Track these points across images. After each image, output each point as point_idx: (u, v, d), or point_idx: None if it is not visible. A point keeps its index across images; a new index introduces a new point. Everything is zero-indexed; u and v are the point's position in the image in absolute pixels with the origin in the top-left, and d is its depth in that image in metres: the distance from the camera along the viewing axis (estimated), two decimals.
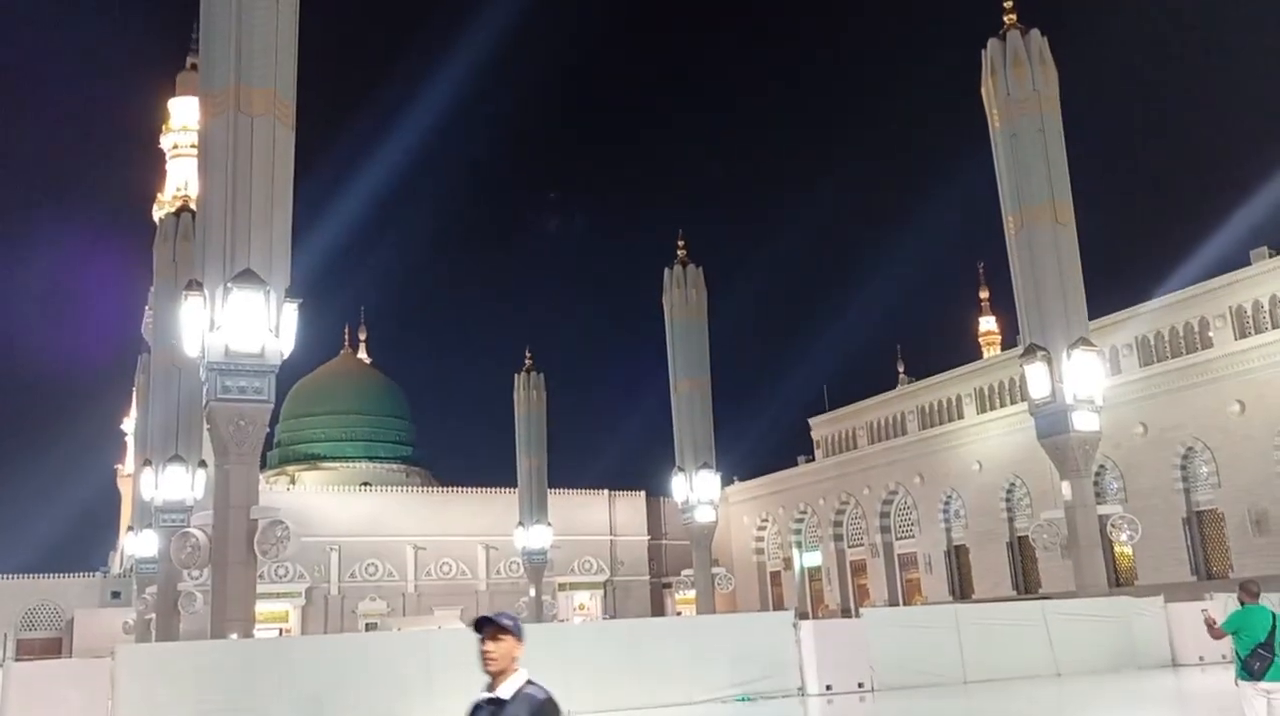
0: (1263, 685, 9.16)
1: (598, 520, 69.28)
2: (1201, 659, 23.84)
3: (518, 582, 63.60)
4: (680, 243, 48.69)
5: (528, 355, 61.37)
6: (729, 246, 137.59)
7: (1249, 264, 42.31)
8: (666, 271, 48.13)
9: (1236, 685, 9.43)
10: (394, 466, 76.05)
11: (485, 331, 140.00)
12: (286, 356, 22.99)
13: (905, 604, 54.17)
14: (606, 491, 70.51)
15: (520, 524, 58.69)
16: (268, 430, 23.81)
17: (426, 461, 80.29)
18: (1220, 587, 30.68)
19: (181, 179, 71.71)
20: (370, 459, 74.89)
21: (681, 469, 46.17)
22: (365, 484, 69.28)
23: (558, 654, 19.91)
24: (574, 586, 68.38)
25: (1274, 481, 39.62)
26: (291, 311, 22.92)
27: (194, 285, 22.62)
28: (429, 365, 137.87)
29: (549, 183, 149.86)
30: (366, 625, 55.26)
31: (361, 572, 63.16)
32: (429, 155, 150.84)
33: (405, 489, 70.05)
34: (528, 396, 60.07)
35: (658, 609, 67.32)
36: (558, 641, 21.17)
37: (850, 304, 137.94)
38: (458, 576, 65.98)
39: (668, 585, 68.26)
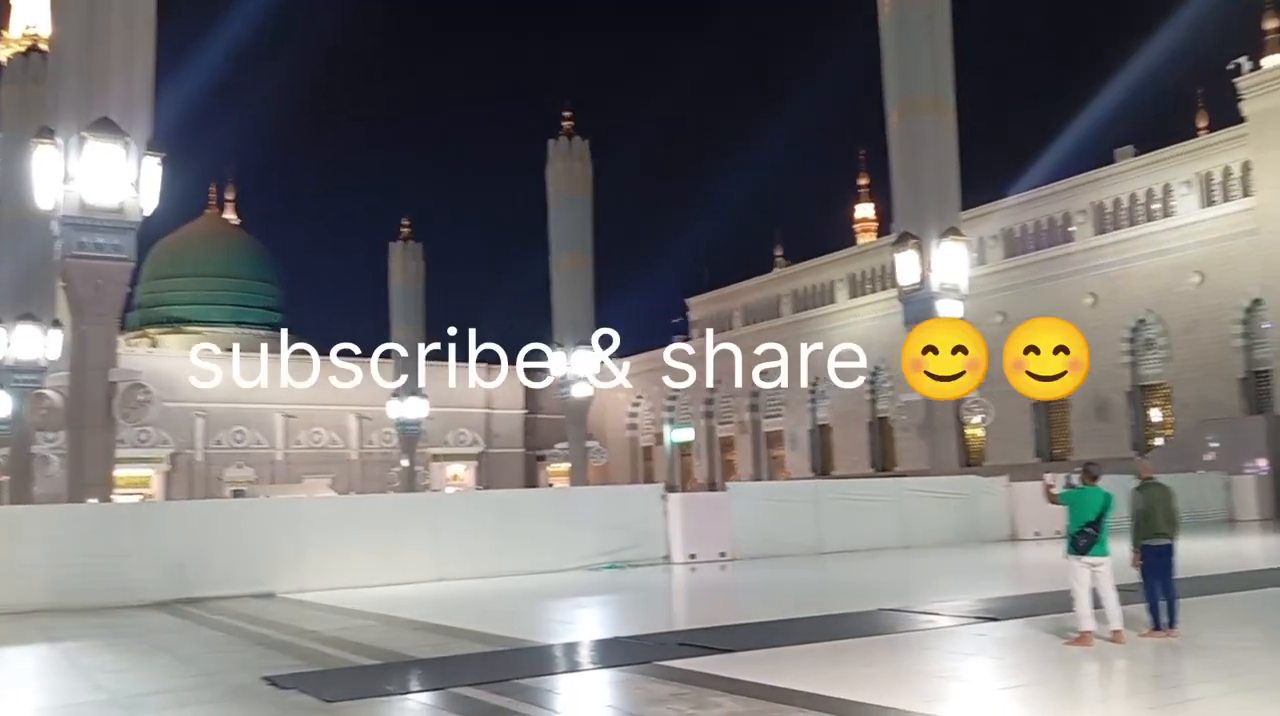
0: (1087, 559, 9.96)
1: (474, 393, 69.26)
2: (1037, 534, 25.63)
3: (390, 453, 63.55)
4: (566, 114, 47.74)
5: (405, 223, 59.97)
6: (617, 120, 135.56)
7: (1113, 162, 43.99)
8: (551, 143, 47.28)
9: (1065, 558, 10.20)
10: (263, 332, 74.05)
11: (363, 197, 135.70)
12: (149, 213, 21.92)
13: (770, 479, 56.25)
14: (484, 364, 70.33)
15: (395, 395, 58.27)
16: (128, 290, 22.85)
17: (298, 328, 78.31)
18: (1060, 469, 32.79)
19: (29, 15, 66.11)
20: (238, 324, 72.69)
21: (560, 344, 46.36)
22: (231, 349, 67.38)
23: (429, 523, 20.16)
24: (448, 457, 68.74)
25: (1118, 372, 42.16)
26: (154, 166, 21.76)
27: (45, 133, 21.24)
28: (303, 230, 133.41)
29: (431, 44, 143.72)
30: (233, 492, 54.53)
31: (229, 439, 62.03)
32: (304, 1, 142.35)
33: (275, 355, 68.45)
34: (404, 266, 58.96)
35: (531, 481, 68.31)
36: (429, 511, 21.37)
37: (731, 188, 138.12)
38: (329, 445, 65.46)
39: (542, 458, 69.20)
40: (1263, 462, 33.92)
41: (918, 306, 29.58)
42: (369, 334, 66.03)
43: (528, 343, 46.43)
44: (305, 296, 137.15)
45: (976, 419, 40.42)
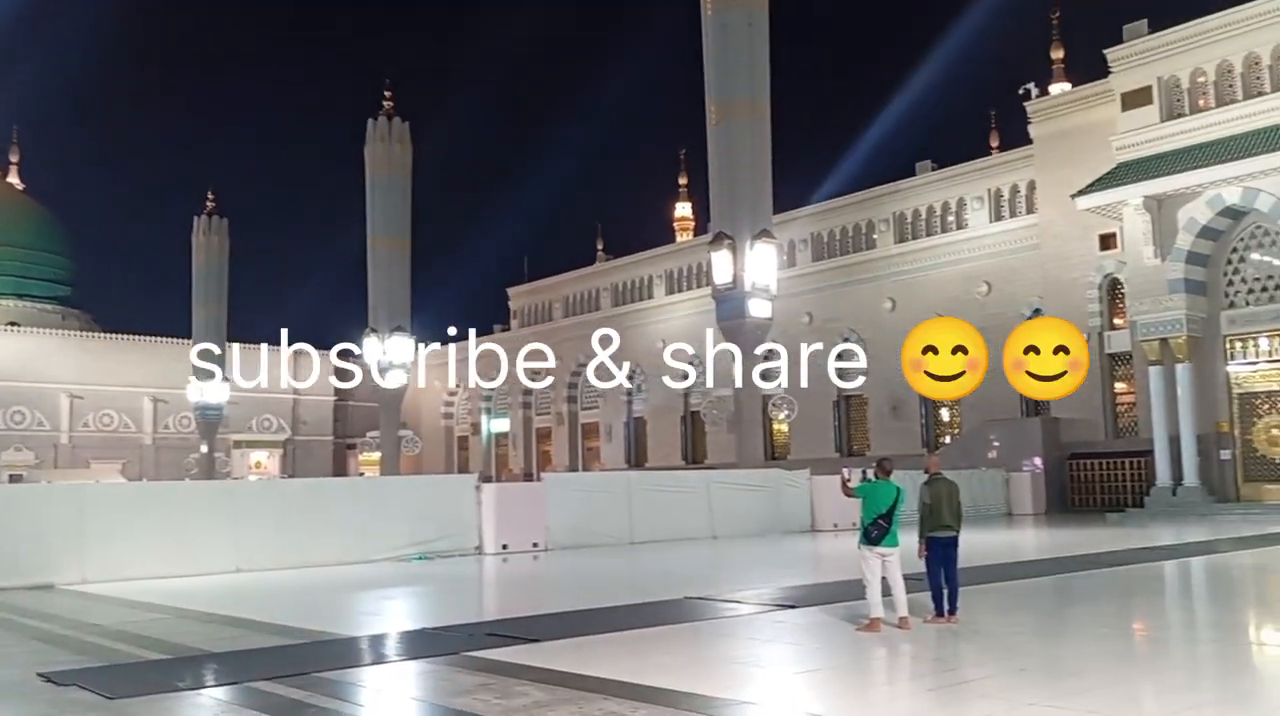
0: (879, 549, 10.55)
1: (281, 377, 66.66)
2: (835, 526, 26.86)
3: (188, 438, 60.49)
4: (387, 93, 46.57)
5: (211, 197, 57.10)
6: (441, 102, 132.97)
7: (914, 174, 46.52)
8: (370, 122, 46.01)
9: (858, 548, 10.77)
10: (48, 307, 69.07)
11: (165, 168, 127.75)
12: None
13: (585, 470, 56.68)
14: (293, 348, 67.80)
15: (195, 377, 55.37)
16: None
17: (89, 304, 73.56)
18: (857, 464, 34.48)
19: None
20: (19, 296, 67.53)
21: (375, 330, 45.24)
22: (13, 324, 62.50)
23: (228, 512, 19.33)
24: (251, 444, 65.96)
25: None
26: None
27: None
28: (97, 200, 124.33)
29: (245, 11, 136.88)
30: (10, 476, 50.58)
31: (6, 420, 57.57)
32: None
33: (61, 332, 63.84)
34: (208, 241, 56.17)
35: (340, 470, 66.43)
36: (228, 499, 20.47)
37: (554, 181, 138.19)
38: (120, 429, 61.70)
39: (352, 446, 67.37)
40: (1037, 461, 36.67)
41: (731, 305, 30.40)
42: (170, 312, 62.57)
43: (341, 327, 45.09)
44: (103, 271, 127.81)
45: (782, 414, 42.10)
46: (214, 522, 18.85)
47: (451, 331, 41.86)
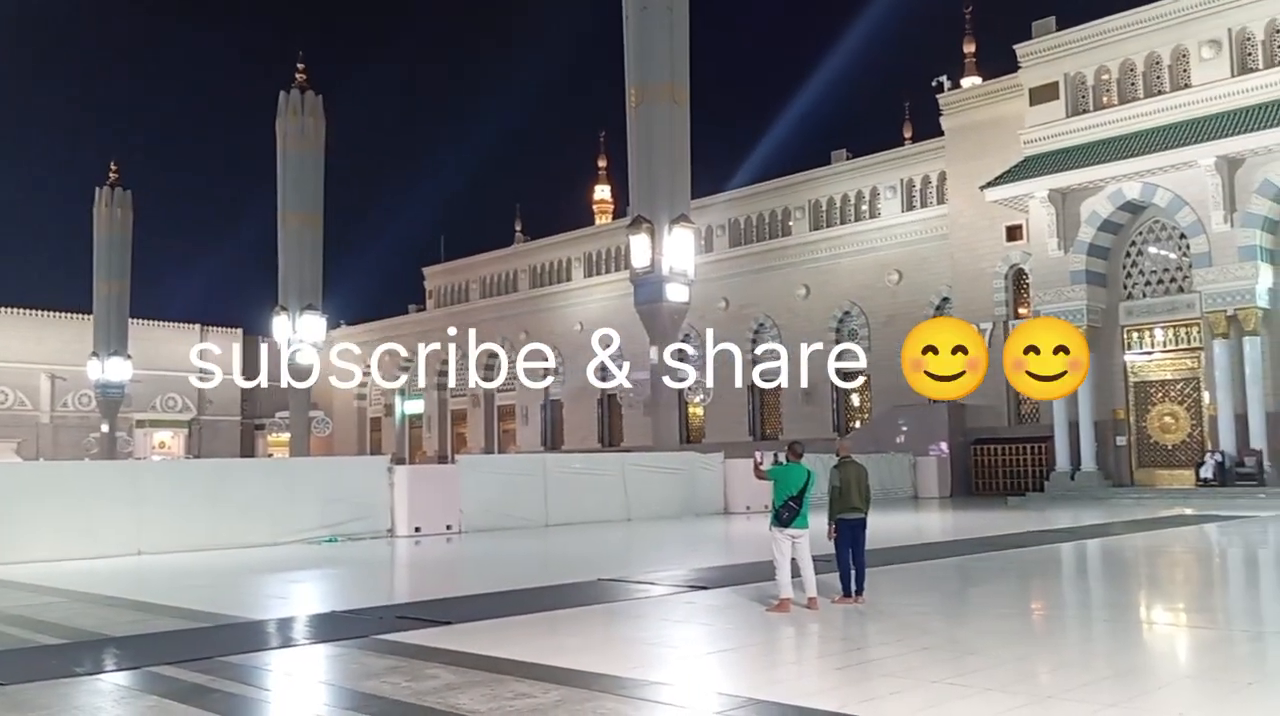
0: (789, 531, 10.71)
1: (186, 355, 64.85)
2: (748, 508, 27.23)
3: (89, 417, 58.57)
4: (299, 66, 45.52)
5: (113, 168, 55.15)
6: (356, 77, 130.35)
7: (829, 163, 47.15)
8: (282, 95, 44.94)
9: (769, 530, 10.92)
10: None
11: (64, 137, 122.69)
12: None
13: (501, 452, 56.41)
14: (198, 325, 66.08)
15: (95, 354, 53.63)
16: None
17: None
18: (770, 447, 34.97)
19: None
20: None
21: (285, 308, 44.27)
22: None
23: (130, 493, 18.79)
24: (155, 424, 64.13)
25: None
26: None
27: None
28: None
29: None
30: None
31: None
32: None
33: None
34: (110, 214, 54.32)
35: (248, 451, 64.99)
36: (130, 480, 19.87)
37: (472, 160, 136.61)
38: (15, 407, 59.44)
39: (261, 427, 65.96)
40: (943, 446, 37.64)
41: (649, 289, 30.50)
42: (69, 287, 60.25)
43: (250, 305, 44.09)
44: None
45: (698, 398, 42.42)
46: (115, 504, 18.30)
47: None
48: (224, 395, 66.37)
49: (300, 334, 43.91)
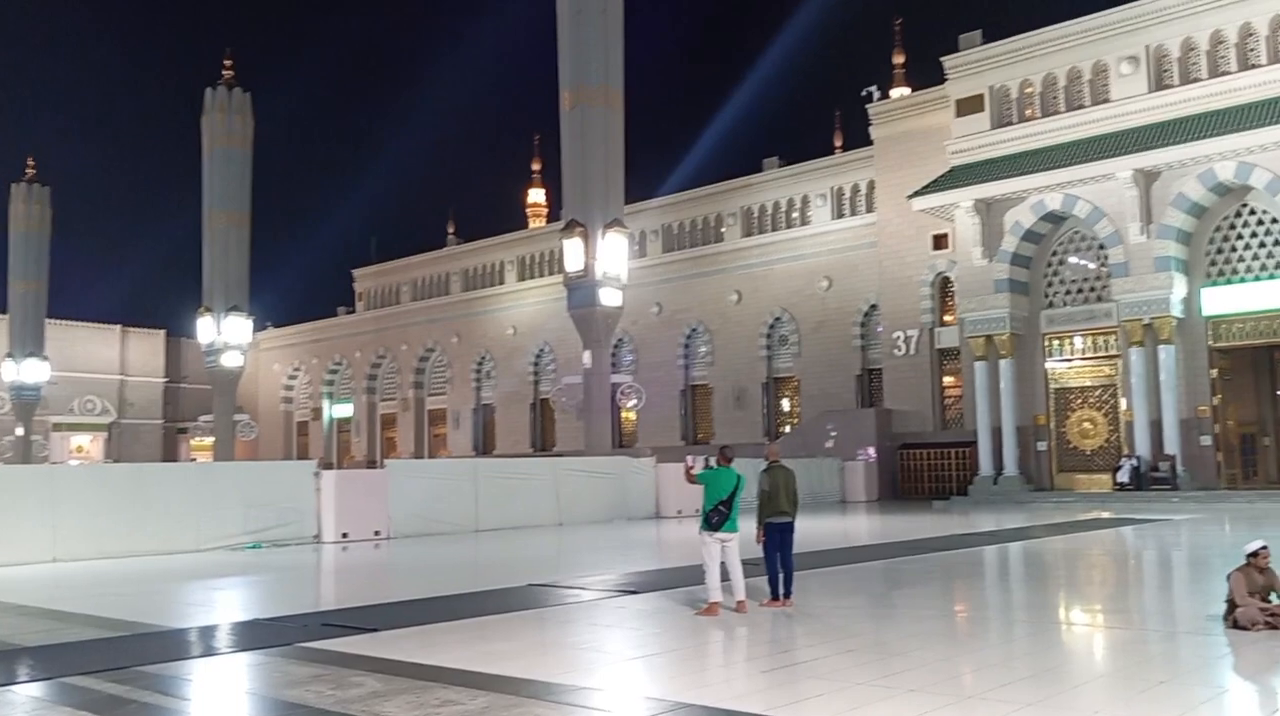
0: (719, 535, 10.79)
1: (106, 357, 63.21)
2: (680, 512, 27.35)
3: (2, 421, 56.72)
4: (227, 62, 44.68)
5: (30, 163, 53.54)
6: (286, 76, 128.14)
7: (761, 170, 47.61)
8: (209, 91, 44.10)
9: (699, 534, 10.98)
10: None
11: None
12: None
13: (432, 457, 55.89)
14: (119, 326, 64.39)
15: (10, 355, 51.99)
16: None
17: None
18: (702, 451, 35.18)
19: None
20: None
21: (209, 309, 43.39)
22: None
23: (45, 498, 18.23)
24: (73, 427, 62.32)
25: (756, 364, 45.79)
26: None
27: None
28: None
29: None
30: None
31: None
32: None
33: None
34: (27, 211, 52.74)
35: (171, 455, 63.49)
36: (45, 484, 19.27)
37: (404, 160, 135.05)
38: None
39: (184, 431, 64.50)
40: (871, 450, 38.21)
41: (582, 293, 30.50)
42: None
43: (174, 306, 43.17)
44: None
45: (631, 403, 42.49)
46: (29, 509, 17.77)
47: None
48: (145, 398, 64.80)
49: (225, 336, 43.07)
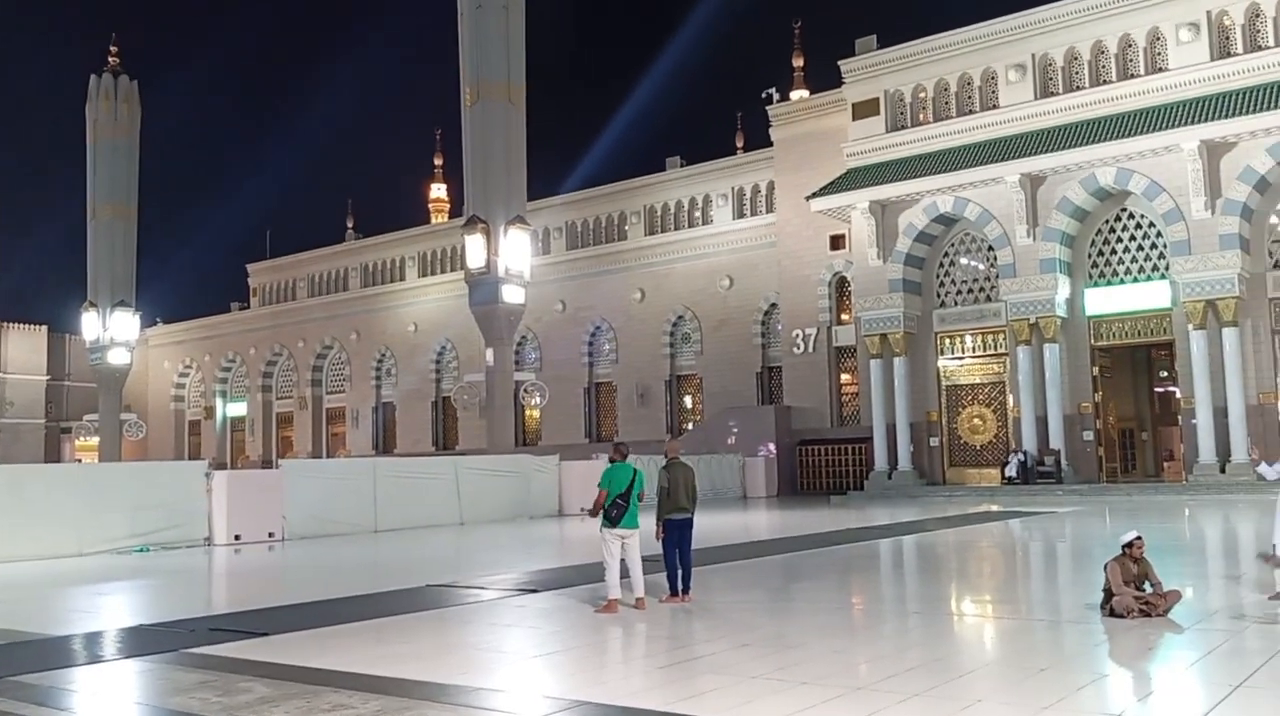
0: (618, 531, 10.82)
1: None
2: (583, 510, 27.30)
3: None
4: (112, 48, 43.06)
5: None
6: (177, 65, 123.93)
7: (665, 170, 47.88)
8: (94, 78, 42.43)
9: (600, 531, 10.99)
10: None
11: None
12: None
13: (330, 456, 54.79)
14: None
15: None
16: None
17: None
18: (605, 450, 35.25)
19: None
20: None
21: (94, 304, 41.76)
22: None
23: None
24: None
25: (659, 361, 46.05)
26: None
27: None
28: None
29: None
30: None
31: None
32: None
33: None
34: None
35: (54, 456, 60.90)
36: None
37: (301, 152, 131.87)
38: None
39: (68, 430, 61.95)
40: (771, 447, 38.77)
41: (484, 290, 30.26)
42: None
43: (58, 299, 41.48)
44: None
45: (534, 401, 42.32)
46: None
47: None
48: (26, 396, 62.06)
49: (111, 332, 41.54)
